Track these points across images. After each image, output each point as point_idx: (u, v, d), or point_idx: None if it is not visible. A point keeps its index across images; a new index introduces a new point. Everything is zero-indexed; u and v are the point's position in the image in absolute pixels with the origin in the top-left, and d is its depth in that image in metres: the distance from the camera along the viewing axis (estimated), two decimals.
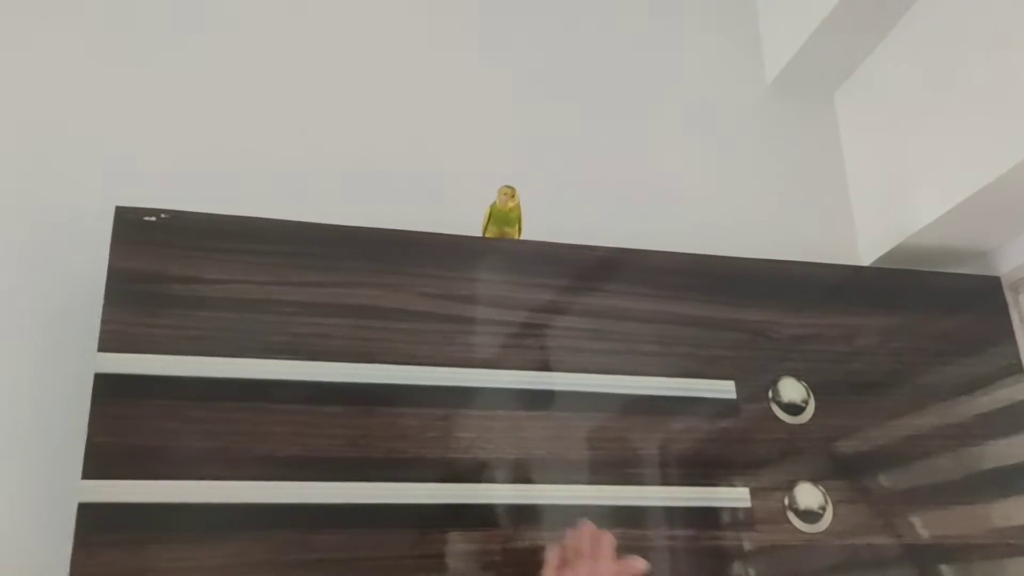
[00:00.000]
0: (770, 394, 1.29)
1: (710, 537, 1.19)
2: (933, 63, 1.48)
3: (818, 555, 1.22)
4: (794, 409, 1.29)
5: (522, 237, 1.31)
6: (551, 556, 1.03)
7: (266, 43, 1.49)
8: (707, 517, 1.20)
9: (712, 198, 1.59)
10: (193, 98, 1.42)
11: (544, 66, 1.61)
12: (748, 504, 1.22)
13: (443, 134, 1.50)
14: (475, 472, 1.15)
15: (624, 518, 1.17)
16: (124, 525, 1.02)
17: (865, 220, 1.61)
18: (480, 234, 1.31)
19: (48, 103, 1.35)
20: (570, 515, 1.14)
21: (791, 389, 1.30)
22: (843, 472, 1.28)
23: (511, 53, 1.60)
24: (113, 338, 1.09)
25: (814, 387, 1.31)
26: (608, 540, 1.01)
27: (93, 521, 1.01)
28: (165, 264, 1.14)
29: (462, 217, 1.33)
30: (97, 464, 1.03)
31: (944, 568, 1.26)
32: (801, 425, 1.29)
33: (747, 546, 1.20)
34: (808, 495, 1.24)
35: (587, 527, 1.04)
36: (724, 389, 1.27)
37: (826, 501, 1.24)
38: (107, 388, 1.07)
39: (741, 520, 1.21)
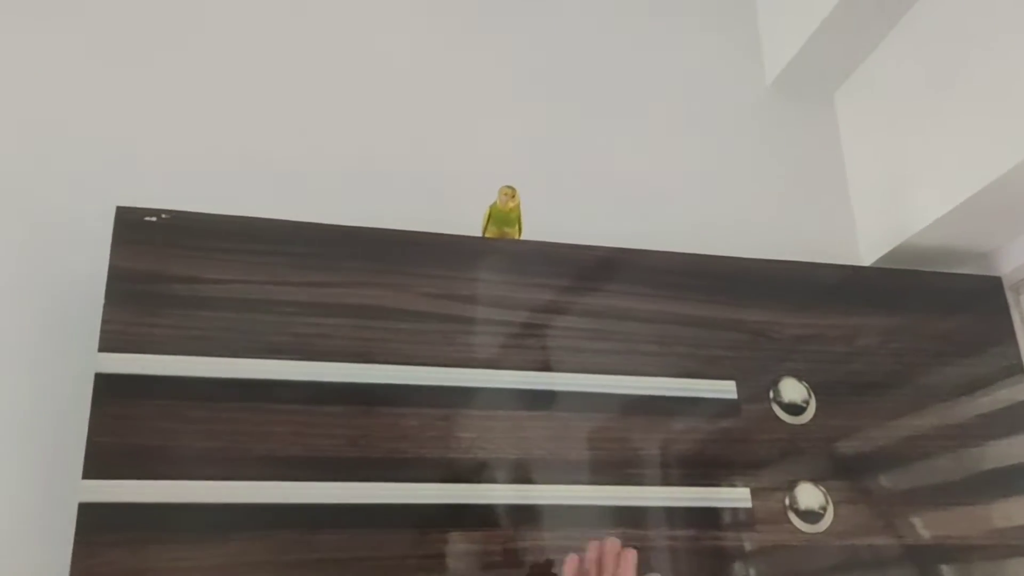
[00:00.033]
0: (771, 394, 1.29)
1: (711, 537, 1.19)
2: (933, 63, 1.48)
3: (819, 555, 1.22)
4: (795, 409, 1.29)
5: (522, 237, 1.31)
6: (568, 567, 1.01)
7: (266, 43, 1.49)
8: (708, 517, 1.20)
9: (713, 198, 1.59)
10: (193, 98, 1.42)
11: (544, 66, 1.61)
12: (749, 504, 1.22)
13: (443, 134, 1.50)
14: (475, 472, 1.15)
15: (625, 518, 1.17)
16: (125, 525, 1.02)
17: (866, 220, 1.61)
18: (480, 234, 1.31)
19: (48, 103, 1.35)
20: (570, 515, 1.15)
21: (792, 389, 1.30)
22: (844, 472, 1.28)
23: (511, 53, 1.60)
24: (114, 338, 1.09)
25: (815, 387, 1.31)
26: (631, 557, 0.99)
27: (94, 521, 1.01)
28: (166, 264, 1.14)
29: (462, 217, 1.33)
30: (98, 464, 1.03)
31: (945, 568, 1.26)
32: (802, 425, 1.29)
33: (748, 546, 1.20)
34: (809, 495, 1.24)
35: (612, 543, 1.01)
36: (725, 389, 1.27)
37: (827, 501, 1.24)
38: (108, 388, 1.07)
39: (742, 520, 1.21)
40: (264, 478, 1.07)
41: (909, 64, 1.54)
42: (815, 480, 1.26)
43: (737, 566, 1.19)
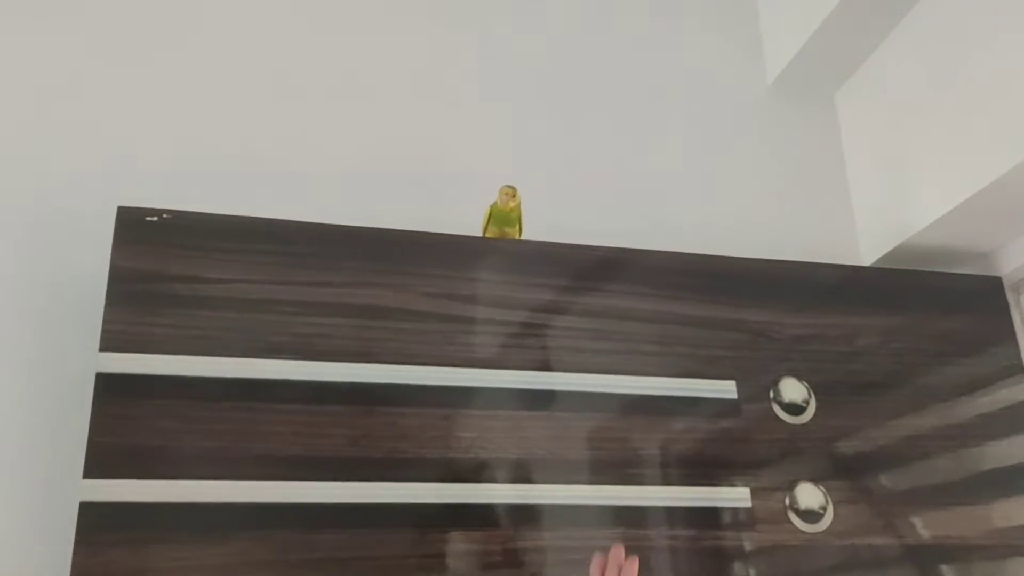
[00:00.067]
0: (771, 394, 1.29)
1: (711, 537, 1.19)
2: (934, 64, 1.48)
3: (819, 555, 1.22)
4: (795, 409, 1.29)
5: (523, 237, 1.31)
6: (594, 567, 0.99)
7: (267, 44, 1.49)
8: (708, 517, 1.20)
9: (713, 198, 1.59)
10: (194, 99, 1.42)
11: (545, 66, 1.61)
12: (749, 504, 1.22)
13: (443, 134, 1.50)
14: (476, 472, 1.15)
15: (625, 518, 1.17)
16: (125, 524, 1.02)
17: (866, 220, 1.61)
18: (481, 234, 1.31)
19: (49, 103, 1.36)
20: (570, 515, 1.15)
21: (792, 389, 1.30)
22: (844, 472, 1.28)
23: (511, 53, 1.60)
24: (115, 338, 1.09)
25: (815, 387, 1.31)
26: (633, 567, 0.98)
27: (94, 520, 1.01)
28: (166, 264, 1.14)
29: (463, 217, 1.33)
30: (98, 463, 1.04)
31: (944, 568, 1.26)
32: (802, 425, 1.29)
33: (748, 546, 1.20)
34: (809, 495, 1.24)
35: (617, 551, 0.99)
36: (725, 389, 1.28)
37: (827, 501, 1.24)
38: (108, 388, 1.07)
39: (742, 520, 1.21)
40: (264, 478, 1.07)
41: (910, 64, 1.54)
42: (815, 480, 1.26)
43: (737, 566, 1.19)
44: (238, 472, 1.07)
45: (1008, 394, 1.39)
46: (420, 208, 1.40)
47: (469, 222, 1.32)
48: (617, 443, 1.21)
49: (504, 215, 1.27)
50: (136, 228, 1.15)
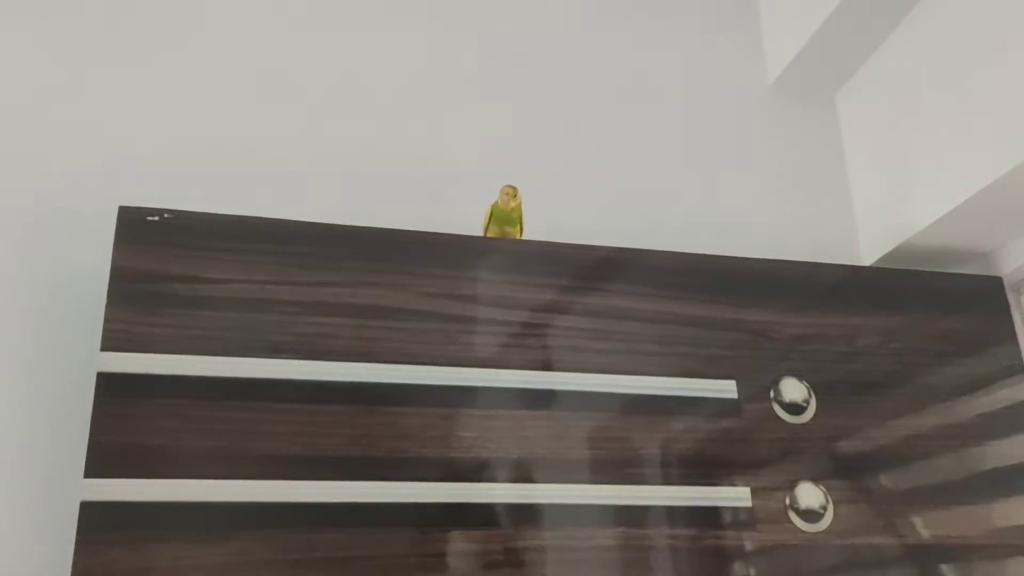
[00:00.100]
0: (771, 394, 1.29)
1: (711, 537, 1.19)
2: (934, 64, 1.48)
3: (819, 555, 1.22)
4: (795, 409, 1.29)
5: (524, 237, 1.31)
6: None
7: (267, 43, 1.49)
8: (708, 517, 1.20)
9: (714, 198, 1.59)
10: (195, 98, 1.42)
11: (545, 65, 1.61)
12: (749, 504, 1.22)
13: (444, 134, 1.50)
14: (476, 471, 1.15)
15: (625, 518, 1.17)
16: (126, 523, 1.02)
17: (866, 220, 1.61)
18: (482, 234, 1.31)
19: (49, 103, 1.36)
20: (571, 515, 1.15)
21: (792, 389, 1.30)
22: (844, 472, 1.28)
23: (511, 53, 1.61)
24: (116, 337, 1.09)
25: (815, 387, 1.31)
26: None
27: (95, 519, 1.01)
28: (167, 263, 1.14)
29: (464, 217, 1.34)
30: (99, 462, 1.04)
31: (945, 568, 1.26)
32: (802, 425, 1.29)
33: (748, 546, 1.20)
34: (809, 495, 1.24)
35: None
36: (725, 389, 1.28)
37: (827, 501, 1.25)
38: (109, 387, 1.07)
39: (742, 520, 1.21)
40: (265, 477, 1.07)
41: (910, 64, 1.54)
42: (815, 479, 1.26)
43: (737, 565, 1.19)
44: (239, 471, 1.07)
45: (1008, 394, 1.39)
46: (421, 208, 1.40)
47: (470, 222, 1.33)
48: (618, 443, 1.21)
49: (505, 215, 1.27)
50: (137, 228, 1.15)
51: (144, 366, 1.09)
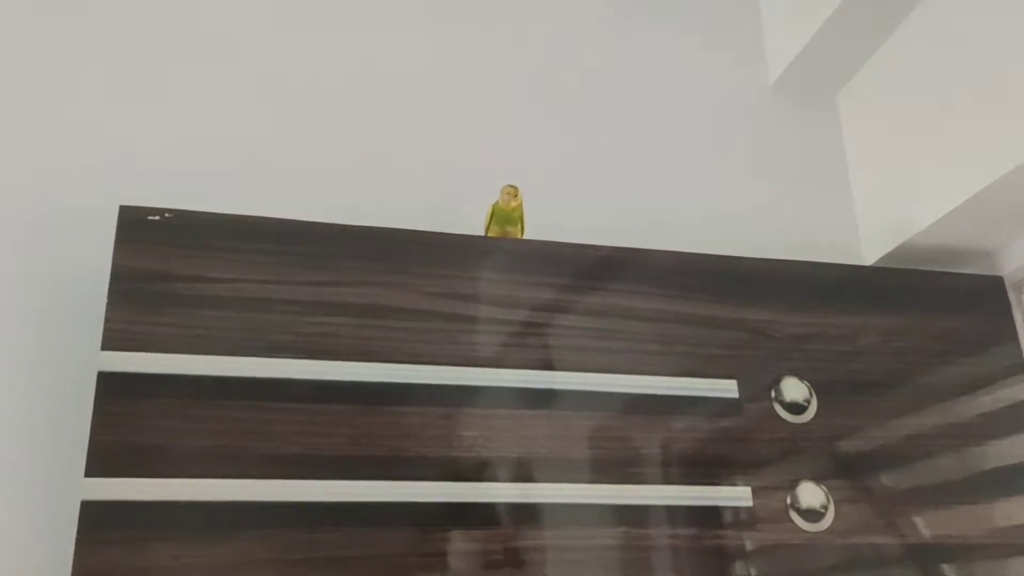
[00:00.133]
0: (772, 393, 1.29)
1: (712, 536, 1.19)
2: (935, 64, 1.48)
3: (820, 554, 1.22)
4: (796, 408, 1.29)
5: (525, 236, 1.31)
6: None
7: (268, 43, 1.49)
8: (709, 516, 1.20)
9: (715, 198, 1.59)
10: (196, 98, 1.42)
11: (546, 65, 1.61)
12: (750, 503, 1.22)
13: (445, 133, 1.50)
14: (477, 471, 1.15)
15: (626, 517, 1.17)
16: (127, 523, 1.02)
17: (868, 220, 1.61)
18: (483, 233, 1.31)
19: (51, 102, 1.36)
20: (572, 514, 1.15)
21: (793, 388, 1.30)
22: (845, 471, 1.28)
23: (512, 53, 1.61)
24: (116, 337, 1.09)
25: (816, 386, 1.31)
26: None
27: (96, 518, 1.01)
28: (168, 263, 1.14)
29: (465, 216, 1.34)
30: (100, 462, 1.03)
31: (946, 567, 1.26)
32: (803, 424, 1.29)
33: (749, 545, 1.20)
34: (810, 494, 1.24)
35: None
36: (726, 388, 1.27)
37: (828, 500, 1.24)
38: (110, 386, 1.07)
39: (743, 519, 1.21)
40: (266, 476, 1.07)
41: (911, 65, 1.54)
42: (816, 479, 1.26)
43: (738, 565, 1.19)
44: (239, 471, 1.07)
45: (1010, 393, 1.39)
46: (421, 207, 1.40)
47: (471, 221, 1.33)
48: (618, 442, 1.21)
49: (506, 214, 1.27)
50: (138, 227, 1.15)
51: (144, 365, 1.09)
